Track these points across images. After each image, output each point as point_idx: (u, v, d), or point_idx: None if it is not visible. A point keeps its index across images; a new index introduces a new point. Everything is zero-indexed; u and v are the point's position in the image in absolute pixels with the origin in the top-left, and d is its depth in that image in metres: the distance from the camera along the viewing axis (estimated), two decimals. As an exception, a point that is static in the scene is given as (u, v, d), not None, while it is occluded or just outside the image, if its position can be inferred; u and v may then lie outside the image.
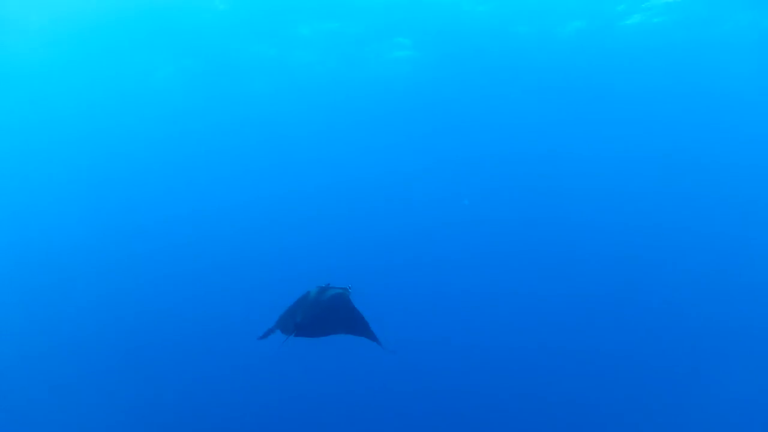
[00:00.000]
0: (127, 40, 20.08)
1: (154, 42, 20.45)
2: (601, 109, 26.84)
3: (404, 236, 24.50)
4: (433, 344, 14.86)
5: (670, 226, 22.97)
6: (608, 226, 23.33)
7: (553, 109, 26.88)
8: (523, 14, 18.67)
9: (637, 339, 15.46)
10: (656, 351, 14.92)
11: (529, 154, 28.15)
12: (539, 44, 21.02)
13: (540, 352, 14.66)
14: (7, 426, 12.19)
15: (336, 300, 6.84)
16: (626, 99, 25.98)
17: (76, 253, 22.08)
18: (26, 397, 12.72)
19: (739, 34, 19.49)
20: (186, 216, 26.86)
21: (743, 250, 20.74)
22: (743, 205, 23.66)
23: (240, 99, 26.90)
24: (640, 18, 18.85)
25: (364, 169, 31.72)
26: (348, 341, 7.02)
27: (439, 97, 26.66)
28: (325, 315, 6.73)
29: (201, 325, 16.27)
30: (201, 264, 21.49)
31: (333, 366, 13.35)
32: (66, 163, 29.51)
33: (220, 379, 13.66)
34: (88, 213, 26.40)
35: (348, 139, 31.40)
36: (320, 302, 6.83)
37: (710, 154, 26.54)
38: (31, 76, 23.02)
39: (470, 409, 12.67)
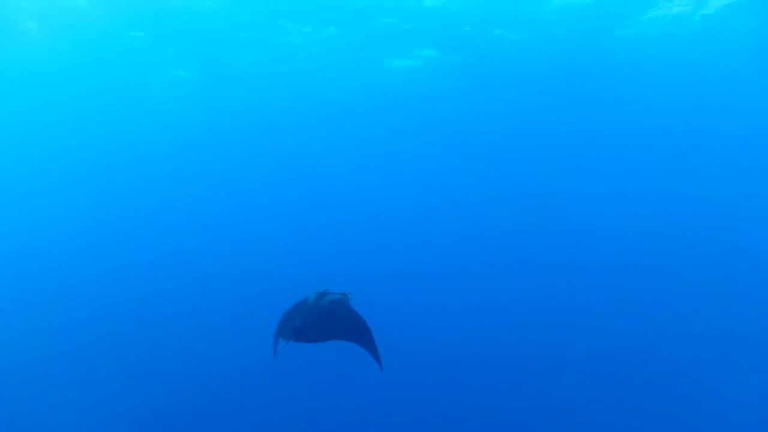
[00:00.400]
0: (127, 45, 20.13)
1: (152, 48, 20.51)
2: (599, 117, 27.00)
3: (402, 242, 24.54)
4: (431, 350, 14.86)
5: (666, 233, 23.11)
6: (607, 233, 23.47)
7: (551, 117, 27.03)
8: (522, 21, 18.80)
9: (637, 346, 15.50)
10: (656, 358, 14.95)
11: (527, 161, 28.30)
12: (538, 53, 21.15)
13: (540, 360, 14.67)
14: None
15: (335, 305, 6.73)
16: (623, 108, 26.16)
17: (77, 258, 22.04)
18: (27, 405, 12.67)
19: (734, 45, 19.69)
20: (184, 222, 26.86)
21: (741, 255, 20.86)
22: (738, 212, 23.86)
23: (238, 105, 26.94)
24: (635, 30, 19.03)
25: (362, 175, 31.81)
26: (346, 347, 6.98)
27: (437, 103, 26.78)
28: (325, 320, 6.61)
29: (199, 330, 16.25)
30: (199, 269, 21.47)
31: (331, 370, 13.35)
32: (65, 168, 29.50)
33: (218, 383, 13.63)
34: (88, 219, 26.41)
35: (347, 146, 31.48)
36: (319, 307, 6.70)
37: (706, 161, 26.77)
38: (28, 81, 23.04)
39: (470, 417, 12.66)
